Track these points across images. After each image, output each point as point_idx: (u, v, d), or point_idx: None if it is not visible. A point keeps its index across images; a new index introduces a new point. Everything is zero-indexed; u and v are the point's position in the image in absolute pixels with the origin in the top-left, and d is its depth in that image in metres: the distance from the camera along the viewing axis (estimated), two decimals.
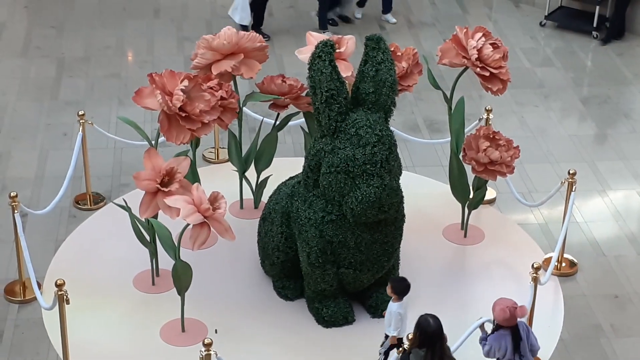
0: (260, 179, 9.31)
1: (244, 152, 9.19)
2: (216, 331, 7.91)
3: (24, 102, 11.63)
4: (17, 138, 10.89)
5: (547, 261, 8.66)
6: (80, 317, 7.91)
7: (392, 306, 7.26)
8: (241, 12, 11.00)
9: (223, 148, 10.39)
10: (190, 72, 8.01)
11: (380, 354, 7.41)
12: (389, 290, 7.28)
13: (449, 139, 9.00)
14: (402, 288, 7.26)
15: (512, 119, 11.52)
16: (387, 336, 7.34)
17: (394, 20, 13.70)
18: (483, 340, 7.00)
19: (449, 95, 8.91)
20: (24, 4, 14.29)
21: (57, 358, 7.70)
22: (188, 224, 7.19)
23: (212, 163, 10.43)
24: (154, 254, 8.30)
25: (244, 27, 12.43)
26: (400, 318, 7.24)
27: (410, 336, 6.76)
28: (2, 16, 13.78)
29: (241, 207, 9.48)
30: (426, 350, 6.61)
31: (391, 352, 7.19)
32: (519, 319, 6.86)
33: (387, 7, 13.69)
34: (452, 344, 6.90)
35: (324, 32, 9.35)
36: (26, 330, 8.17)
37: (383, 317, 7.41)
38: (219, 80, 8.14)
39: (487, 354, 6.97)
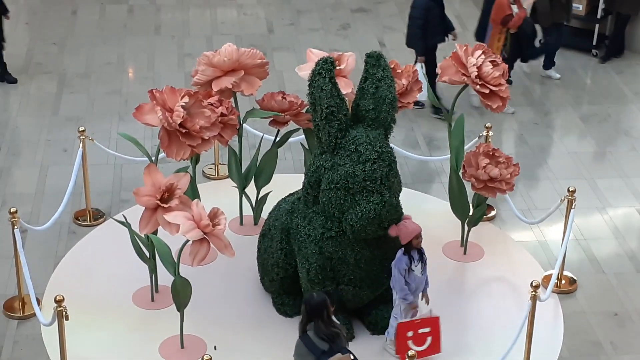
0: (260, 195, 9.31)
1: (244, 168, 9.20)
2: (215, 348, 7.89)
3: (24, 118, 11.65)
4: (18, 154, 10.90)
5: (547, 278, 8.65)
6: (80, 334, 7.89)
7: None
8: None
9: (223, 164, 10.39)
10: (190, 89, 8.03)
11: None
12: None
13: (449, 156, 9.00)
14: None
15: (512, 136, 11.53)
16: None
17: (558, 75, 12.95)
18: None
19: (448, 113, 8.92)
20: (25, 20, 14.33)
21: None
22: (188, 240, 7.19)
23: (212, 179, 10.44)
24: (153, 270, 8.29)
25: (418, 103, 11.39)
26: None
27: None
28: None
29: (241, 223, 9.48)
30: (314, 322, 6.75)
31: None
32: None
33: (548, 63, 12.97)
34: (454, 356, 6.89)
35: None
36: (25, 346, 8.15)
37: (383, 333, 7.39)
38: (219, 96, 8.16)
39: (397, 277, 7.58)
